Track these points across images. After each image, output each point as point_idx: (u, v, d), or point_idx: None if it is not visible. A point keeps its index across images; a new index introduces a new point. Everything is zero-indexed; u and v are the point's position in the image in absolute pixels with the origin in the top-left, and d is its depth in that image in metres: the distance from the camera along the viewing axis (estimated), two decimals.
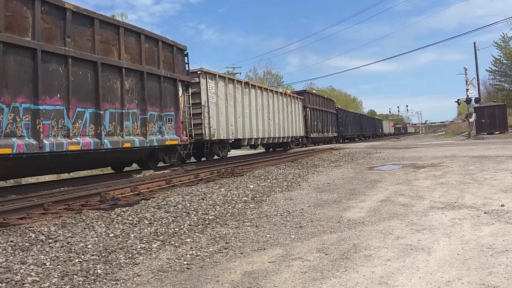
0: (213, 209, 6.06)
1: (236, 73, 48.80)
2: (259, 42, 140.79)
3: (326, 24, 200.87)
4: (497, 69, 49.29)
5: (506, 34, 46.00)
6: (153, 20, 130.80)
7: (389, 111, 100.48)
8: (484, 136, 28.61)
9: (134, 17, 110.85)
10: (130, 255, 3.98)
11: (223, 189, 7.82)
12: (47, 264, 3.64)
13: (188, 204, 6.30)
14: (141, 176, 9.99)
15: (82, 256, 3.86)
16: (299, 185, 8.48)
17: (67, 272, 3.44)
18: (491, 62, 49.00)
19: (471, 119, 29.72)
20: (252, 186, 8.31)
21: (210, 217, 5.55)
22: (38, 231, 4.59)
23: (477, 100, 30.98)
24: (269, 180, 9.28)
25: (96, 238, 4.45)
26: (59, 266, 3.58)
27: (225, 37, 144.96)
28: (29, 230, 4.64)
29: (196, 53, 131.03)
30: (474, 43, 36.99)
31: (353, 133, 43.50)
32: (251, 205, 6.37)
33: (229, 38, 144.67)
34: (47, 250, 4.00)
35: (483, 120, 30.49)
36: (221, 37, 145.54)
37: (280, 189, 7.96)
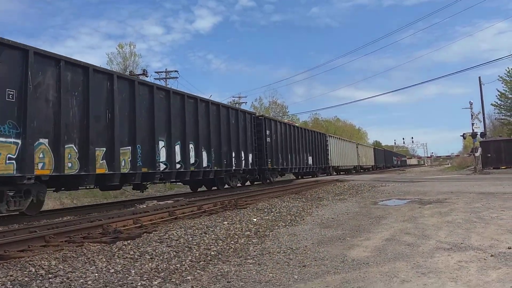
0: (216, 244, 6.00)
1: (241, 103, 49.25)
2: (266, 72, 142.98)
3: (333, 55, 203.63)
4: (502, 103, 49.37)
5: (510, 68, 46.30)
6: (162, 50, 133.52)
7: (394, 143, 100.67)
8: (490, 170, 28.42)
9: (144, 46, 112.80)
10: None
11: (226, 223, 7.75)
12: None
13: (191, 238, 6.23)
14: (144, 206, 9.96)
15: None
16: (303, 219, 8.39)
17: None
18: (496, 96, 49.06)
19: (477, 154, 29.57)
20: (255, 220, 8.24)
21: (212, 253, 5.48)
22: (38, 265, 4.54)
23: (483, 135, 30.93)
24: (272, 213, 9.20)
25: (96, 274, 4.39)
26: None
27: (232, 67, 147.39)
28: (29, 264, 4.59)
29: (204, 81, 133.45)
30: (479, 77, 37.15)
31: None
32: (254, 240, 6.29)
33: (237, 68, 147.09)
34: (47, 286, 3.94)
35: (489, 155, 30.39)
36: (229, 67, 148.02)
37: (283, 224, 7.87)
